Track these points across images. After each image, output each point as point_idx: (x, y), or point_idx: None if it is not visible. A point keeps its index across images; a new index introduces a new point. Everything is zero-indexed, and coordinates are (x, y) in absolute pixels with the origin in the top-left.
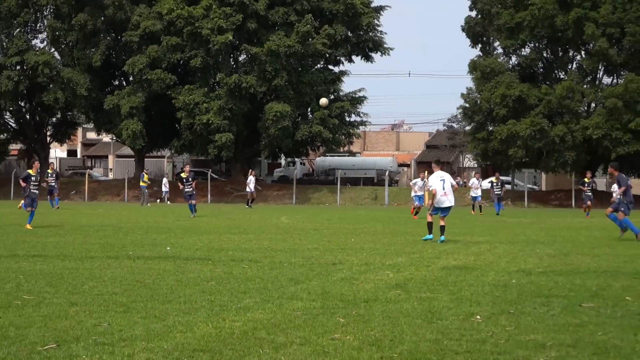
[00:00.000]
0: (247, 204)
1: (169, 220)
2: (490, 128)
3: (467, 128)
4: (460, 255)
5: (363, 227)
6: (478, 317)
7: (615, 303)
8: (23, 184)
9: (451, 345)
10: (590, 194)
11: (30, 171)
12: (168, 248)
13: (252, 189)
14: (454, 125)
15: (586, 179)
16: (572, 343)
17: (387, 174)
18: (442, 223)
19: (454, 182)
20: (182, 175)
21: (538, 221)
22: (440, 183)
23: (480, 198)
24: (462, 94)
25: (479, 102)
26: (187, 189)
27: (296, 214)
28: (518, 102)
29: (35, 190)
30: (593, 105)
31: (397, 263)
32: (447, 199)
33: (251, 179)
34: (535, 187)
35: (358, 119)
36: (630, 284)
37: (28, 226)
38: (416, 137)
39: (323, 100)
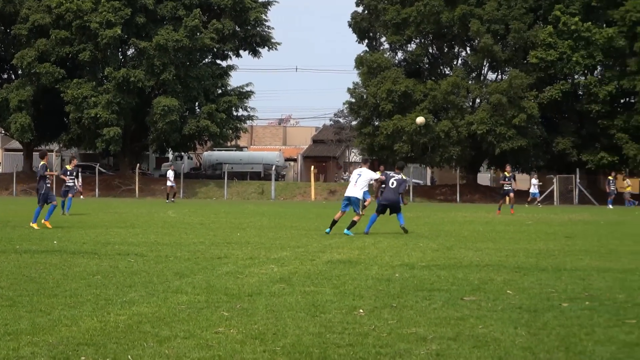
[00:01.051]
0: (168, 199)
1: (57, 214)
2: (376, 123)
3: (354, 123)
4: (344, 250)
5: (249, 221)
6: (361, 310)
7: (497, 297)
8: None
9: (334, 339)
10: (509, 187)
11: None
12: (55, 242)
13: (172, 184)
14: (341, 120)
15: (506, 173)
16: (453, 336)
17: (273, 168)
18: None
19: (374, 177)
20: (68, 167)
21: (422, 215)
22: (355, 177)
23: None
24: (349, 89)
25: (365, 97)
26: (69, 182)
27: (183, 208)
28: (404, 97)
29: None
30: (478, 101)
31: (282, 257)
32: (348, 190)
33: (170, 173)
34: (420, 182)
35: (245, 113)
36: (512, 278)
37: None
38: (303, 131)
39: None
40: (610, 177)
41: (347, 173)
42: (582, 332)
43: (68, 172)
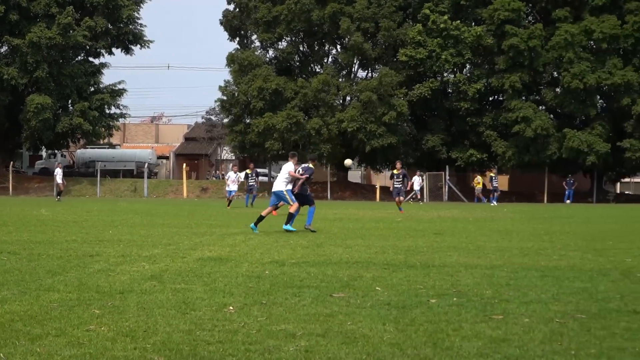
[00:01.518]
0: (57, 196)
1: None
2: (248, 121)
3: (225, 121)
4: (215, 247)
5: (121, 219)
6: (231, 307)
7: (366, 293)
8: None
9: (204, 336)
10: (399, 186)
11: None
12: None
13: (61, 181)
14: (213, 117)
15: (395, 171)
16: (322, 332)
17: (146, 166)
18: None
19: (292, 170)
20: None
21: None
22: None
23: (234, 193)
24: (220, 87)
25: (236, 94)
26: None
27: (56, 206)
28: (275, 95)
29: None
30: (348, 98)
31: (154, 254)
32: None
33: (58, 171)
34: None
35: (118, 111)
36: (381, 275)
37: None
38: (175, 129)
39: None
40: (492, 174)
41: (217, 171)
42: (450, 328)
43: None
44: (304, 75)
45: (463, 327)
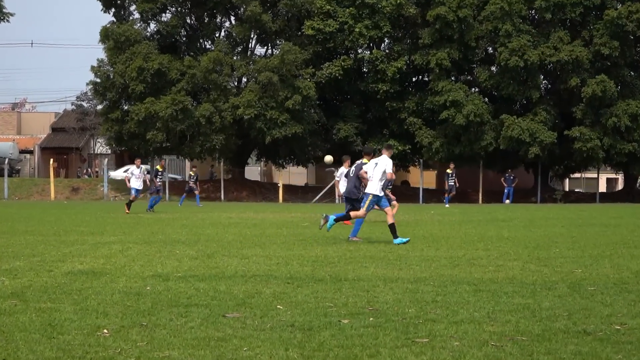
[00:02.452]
0: None
1: None
2: (126, 107)
3: (99, 107)
4: (87, 258)
5: None
6: (105, 330)
7: (265, 313)
8: None
9: None
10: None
11: None
12: None
13: None
14: (84, 104)
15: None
16: None
17: (6, 162)
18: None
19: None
20: None
21: (180, 217)
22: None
23: (138, 192)
24: (93, 67)
25: (112, 76)
26: None
27: None
28: (157, 76)
29: None
30: (245, 80)
31: (15, 267)
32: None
33: None
34: (177, 176)
35: None
36: (283, 290)
37: None
38: (40, 118)
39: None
40: (448, 170)
41: (90, 168)
42: (365, 354)
43: None
44: (192, 53)
45: (381, 353)
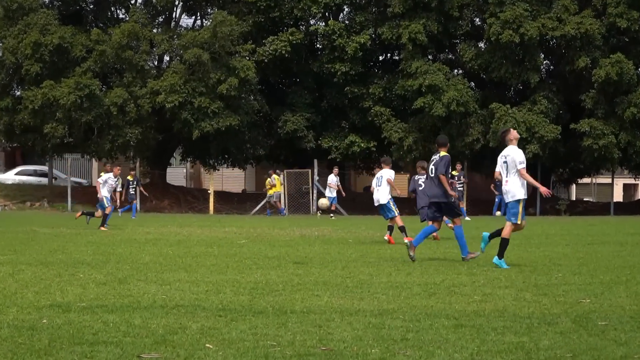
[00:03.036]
0: None
1: None
2: (18, 93)
3: None
4: None
5: None
6: None
7: (190, 353)
8: None
9: None
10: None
11: None
12: None
13: None
14: None
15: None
16: None
17: None
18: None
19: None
20: None
21: (84, 232)
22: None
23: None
24: None
25: (1, 53)
26: None
27: None
28: (58, 54)
29: None
30: (167, 58)
31: None
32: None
33: None
34: (83, 181)
35: None
36: (213, 325)
37: None
38: None
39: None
40: (454, 172)
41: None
42: None
43: None
44: (101, 25)
45: None
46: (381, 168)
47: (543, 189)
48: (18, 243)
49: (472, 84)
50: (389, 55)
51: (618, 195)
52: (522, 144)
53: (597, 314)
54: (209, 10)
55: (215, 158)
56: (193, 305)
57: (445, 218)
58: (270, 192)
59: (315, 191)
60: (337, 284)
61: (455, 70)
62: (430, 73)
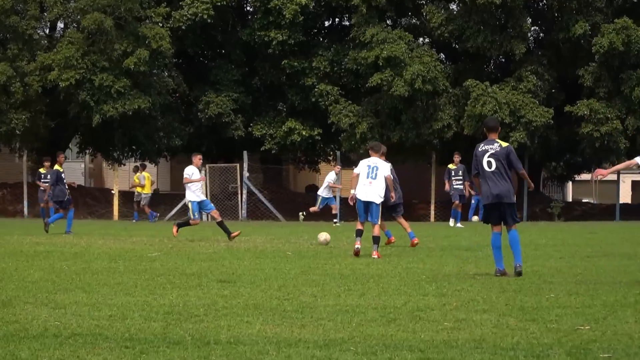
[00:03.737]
0: None
1: None
2: None
3: None
4: None
5: None
6: None
7: None
8: None
9: None
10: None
11: None
12: None
13: None
14: None
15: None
16: None
17: None
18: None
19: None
20: None
21: None
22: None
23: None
24: None
25: None
26: None
27: None
28: None
29: None
30: (61, 26)
31: None
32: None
33: None
34: None
35: None
36: (119, 358)
37: None
38: None
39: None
40: (451, 166)
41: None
42: None
43: None
44: None
45: None
46: (368, 156)
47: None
48: None
49: (442, 55)
50: (337, 20)
51: (625, 196)
52: (504, 131)
53: (599, 344)
54: None
55: (120, 150)
56: (93, 333)
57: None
58: (140, 190)
59: (245, 191)
60: (272, 307)
61: (421, 39)
62: (389, 42)
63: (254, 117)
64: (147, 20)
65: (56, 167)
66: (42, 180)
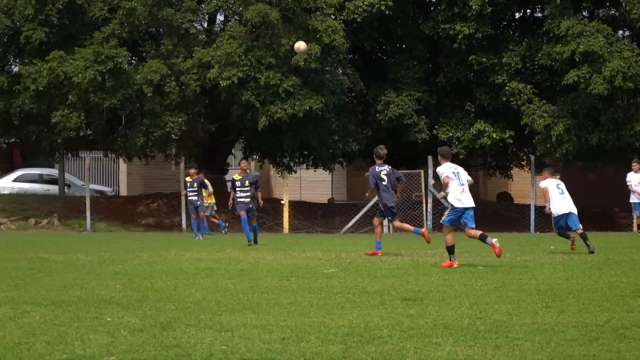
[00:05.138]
0: None
1: None
2: (16, 69)
3: None
4: None
5: None
6: None
7: None
8: None
9: None
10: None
11: None
12: None
13: None
14: None
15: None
16: None
17: None
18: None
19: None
20: None
21: (117, 258)
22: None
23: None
24: None
25: None
26: None
27: None
28: (70, 14)
29: None
30: (221, 19)
31: None
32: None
33: None
34: (107, 189)
35: None
36: None
37: None
38: None
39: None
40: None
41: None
42: None
43: None
44: None
45: None
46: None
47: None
48: (20, 275)
49: None
50: (528, 11)
51: None
52: None
53: None
54: None
55: (290, 155)
56: (265, 358)
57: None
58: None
59: (430, 200)
60: (464, 327)
61: (620, 32)
62: (586, 35)
63: (439, 119)
64: (317, 12)
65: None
66: (188, 190)
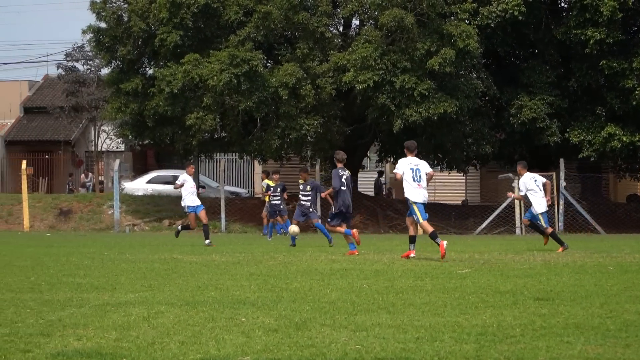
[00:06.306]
0: None
1: None
2: (150, 71)
3: (105, 72)
4: (89, 331)
5: None
6: None
7: None
8: None
9: None
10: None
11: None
12: None
13: None
14: (79, 66)
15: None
16: None
17: None
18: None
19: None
20: None
21: (252, 259)
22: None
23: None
24: (94, 4)
25: (125, 18)
26: None
27: None
28: (204, 17)
29: None
30: (356, 23)
31: None
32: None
33: None
34: (242, 190)
35: None
36: None
37: None
38: (6, 90)
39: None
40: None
41: (91, 175)
42: None
43: None
44: None
45: None
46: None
47: None
48: (154, 276)
49: None
50: None
51: None
52: None
53: None
54: None
55: (425, 157)
56: (399, 357)
57: None
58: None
59: (562, 202)
60: (594, 326)
61: None
62: None
63: (571, 122)
64: (452, 17)
65: (268, 181)
66: (271, 194)
